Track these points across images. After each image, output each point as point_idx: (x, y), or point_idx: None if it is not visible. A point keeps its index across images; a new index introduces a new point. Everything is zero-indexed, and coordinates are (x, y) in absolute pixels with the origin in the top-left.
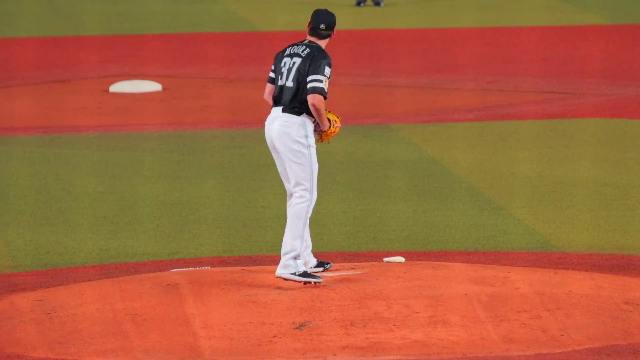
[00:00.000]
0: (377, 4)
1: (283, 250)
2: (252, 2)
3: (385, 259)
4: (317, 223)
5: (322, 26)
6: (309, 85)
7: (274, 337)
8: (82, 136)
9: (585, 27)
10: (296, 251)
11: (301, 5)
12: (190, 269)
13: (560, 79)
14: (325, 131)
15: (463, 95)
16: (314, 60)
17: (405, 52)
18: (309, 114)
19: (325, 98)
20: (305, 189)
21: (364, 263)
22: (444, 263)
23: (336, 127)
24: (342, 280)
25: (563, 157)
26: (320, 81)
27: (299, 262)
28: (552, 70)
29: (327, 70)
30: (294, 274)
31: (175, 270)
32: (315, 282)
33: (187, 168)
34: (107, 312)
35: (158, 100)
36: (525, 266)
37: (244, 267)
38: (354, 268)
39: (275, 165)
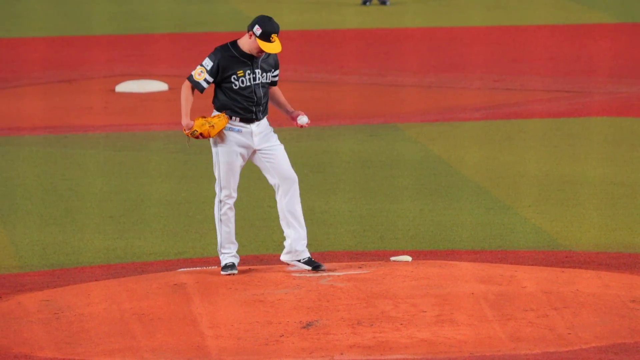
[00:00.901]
0: (383, 2)
1: (289, 243)
2: (259, 1)
3: (392, 258)
4: (324, 222)
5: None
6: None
7: (281, 336)
8: (89, 136)
9: (592, 25)
10: (218, 248)
11: (307, 4)
12: (197, 268)
13: (568, 77)
14: (191, 129)
15: (470, 94)
16: None
17: (412, 51)
18: (224, 109)
19: (189, 84)
20: (216, 188)
21: (370, 262)
22: (450, 262)
23: (196, 136)
24: (349, 279)
25: (570, 156)
26: (194, 71)
27: (225, 256)
28: (559, 69)
29: (205, 62)
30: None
31: (182, 269)
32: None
33: (194, 168)
34: (114, 312)
35: (164, 100)
36: (532, 265)
37: (250, 267)
38: (360, 267)
39: None
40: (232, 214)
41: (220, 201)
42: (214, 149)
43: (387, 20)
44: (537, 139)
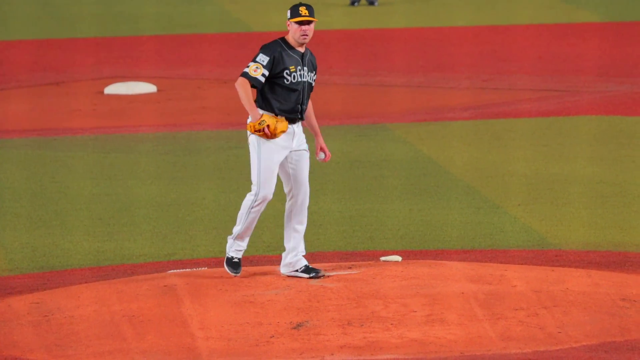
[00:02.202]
0: (372, 3)
1: (285, 254)
2: (247, 2)
3: (382, 258)
4: (314, 223)
5: None
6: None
7: (271, 337)
8: (78, 138)
9: (580, 24)
10: (235, 234)
11: None
12: (187, 270)
13: (556, 76)
14: (258, 125)
15: (458, 93)
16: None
17: (401, 51)
18: (265, 109)
19: (245, 78)
20: (253, 185)
21: (360, 262)
22: (440, 262)
23: (263, 127)
24: (339, 279)
25: (559, 155)
26: (248, 66)
27: (230, 243)
28: (548, 68)
29: (259, 57)
30: (228, 259)
31: (172, 271)
32: (233, 274)
33: (183, 169)
34: (104, 314)
35: (153, 102)
36: (522, 264)
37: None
38: (350, 267)
39: None
40: (258, 215)
41: (256, 200)
42: (254, 150)
43: (375, 20)
44: (526, 138)
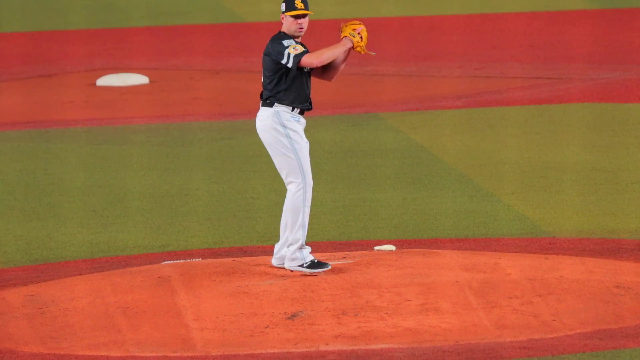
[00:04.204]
0: None
1: (279, 246)
2: None
3: (376, 248)
4: None
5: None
6: (289, 65)
7: (266, 327)
8: (70, 130)
9: (571, 12)
10: (299, 241)
11: None
12: (181, 261)
13: (547, 64)
14: (353, 47)
15: (450, 82)
16: (271, 47)
17: (392, 40)
18: (282, 103)
19: (305, 54)
20: (297, 178)
21: (354, 252)
22: (434, 250)
23: (358, 34)
24: (333, 269)
25: (551, 143)
26: (288, 54)
27: (304, 252)
28: (539, 55)
29: (286, 42)
30: (302, 265)
31: (166, 262)
32: (324, 271)
33: (176, 160)
34: (98, 305)
35: (145, 93)
36: (515, 252)
37: (234, 259)
38: (344, 257)
39: (264, 156)
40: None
41: (307, 191)
42: (285, 140)
43: (366, 9)
44: (519, 126)
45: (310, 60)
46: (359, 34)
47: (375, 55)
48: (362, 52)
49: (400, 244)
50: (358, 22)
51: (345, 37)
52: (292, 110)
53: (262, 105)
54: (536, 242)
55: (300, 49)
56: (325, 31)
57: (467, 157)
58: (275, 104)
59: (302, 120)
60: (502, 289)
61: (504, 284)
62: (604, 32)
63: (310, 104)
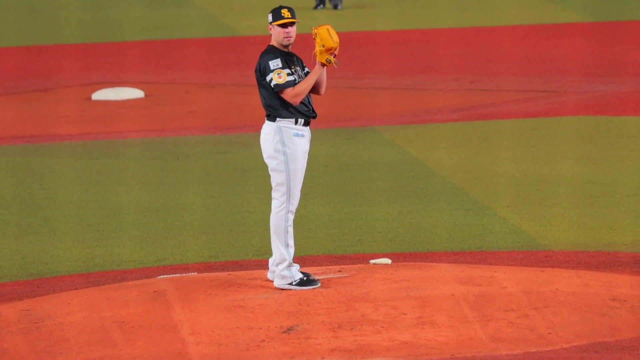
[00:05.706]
0: (335, 6)
1: (273, 260)
2: (233, 6)
3: (372, 261)
4: (303, 226)
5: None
6: (272, 86)
7: (262, 341)
8: (66, 144)
9: (566, 25)
10: (286, 260)
11: None
12: (177, 275)
13: (542, 77)
14: (323, 63)
15: (445, 95)
16: (260, 64)
17: (387, 53)
18: (284, 117)
19: (292, 86)
20: (281, 197)
21: (350, 265)
22: (430, 264)
23: (334, 56)
24: (329, 283)
25: (547, 156)
26: (272, 79)
27: (293, 269)
28: (534, 68)
29: (272, 64)
30: (291, 284)
31: (162, 277)
32: (313, 289)
33: (171, 174)
34: (94, 320)
35: (141, 107)
36: (511, 265)
37: (230, 272)
38: (340, 271)
39: (260, 170)
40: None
41: (289, 211)
42: (281, 157)
43: (361, 23)
44: (514, 139)
45: (289, 99)
46: (334, 55)
47: (338, 65)
48: (328, 64)
49: (396, 257)
50: (326, 28)
51: (320, 62)
52: (296, 123)
53: (266, 119)
54: (532, 255)
55: (284, 77)
56: None
57: (463, 170)
58: (278, 119)
59: (307, 134)
60: (498, 302)
61: (499, 297)
62: (598, 45)
63: (313, 111)
